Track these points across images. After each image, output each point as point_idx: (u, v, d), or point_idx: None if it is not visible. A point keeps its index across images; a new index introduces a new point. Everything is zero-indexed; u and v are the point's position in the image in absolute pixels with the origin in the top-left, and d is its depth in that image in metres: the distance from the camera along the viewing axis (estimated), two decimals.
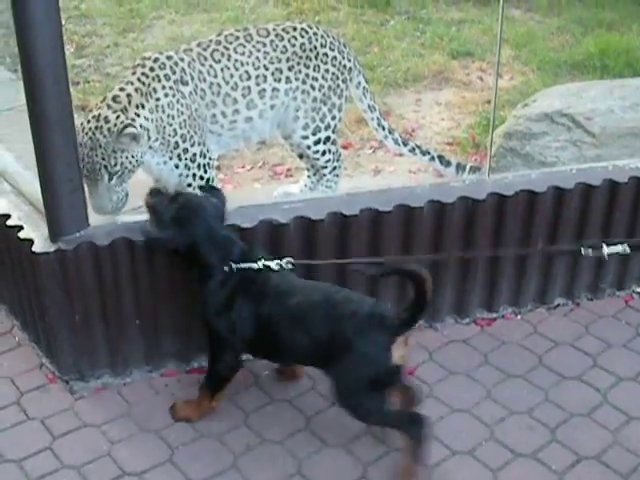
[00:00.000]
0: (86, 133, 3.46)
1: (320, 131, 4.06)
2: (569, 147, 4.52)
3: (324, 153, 4.14)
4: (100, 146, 3.43)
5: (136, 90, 3.57)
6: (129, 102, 3.54)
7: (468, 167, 4.57)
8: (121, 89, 3.58)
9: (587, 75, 6.14)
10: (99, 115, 3.49)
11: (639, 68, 6.15)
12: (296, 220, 3.27)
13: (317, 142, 4.08)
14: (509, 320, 3.70)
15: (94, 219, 3.27)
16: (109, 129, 3.45)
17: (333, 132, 4.12)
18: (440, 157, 4.58)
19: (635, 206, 3.74)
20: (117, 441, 3.08)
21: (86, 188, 3.40)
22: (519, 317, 3.72)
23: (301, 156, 4.30)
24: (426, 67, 6.16)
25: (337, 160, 4.24)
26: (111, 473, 2.95)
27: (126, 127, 3.42)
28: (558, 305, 3.81)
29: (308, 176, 4.38)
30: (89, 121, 3.49)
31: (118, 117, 3.47)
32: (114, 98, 3.54)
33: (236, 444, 3.07)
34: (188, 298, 3.25)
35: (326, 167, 4.21)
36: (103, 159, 3.43)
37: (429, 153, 4.56)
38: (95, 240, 3.12)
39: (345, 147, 5.00)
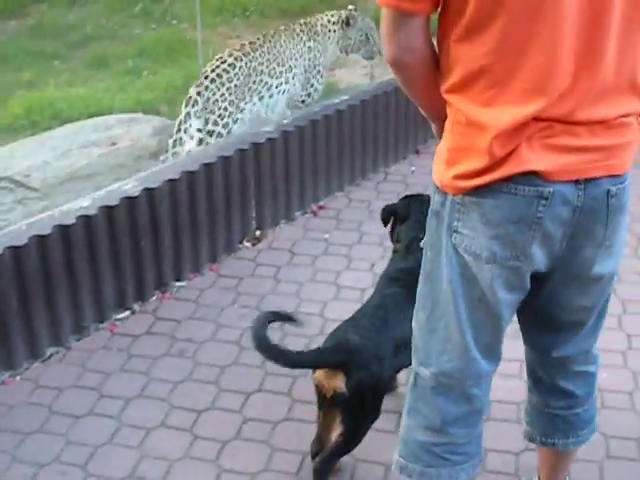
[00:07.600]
0: None
1: None
2: (17, 207, 4.65)
3: None
4: None
5: None
6: None
7: None
8: None
9: (20, 135, 6.25)
10: None
11: (65, 117, 6.42)
12: None
13: None
14: None
15: None
16: None
17: None
18: None
19: (90, 243, 3.94)
20: None
21: None
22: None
23: None
24: None
25: None
26: None
27: None
28: (51, 355, 3.91)
29: None
30: None
31: None
32: None
33: None
34: None
35: None
36: None
37: None
38: None
39: None
